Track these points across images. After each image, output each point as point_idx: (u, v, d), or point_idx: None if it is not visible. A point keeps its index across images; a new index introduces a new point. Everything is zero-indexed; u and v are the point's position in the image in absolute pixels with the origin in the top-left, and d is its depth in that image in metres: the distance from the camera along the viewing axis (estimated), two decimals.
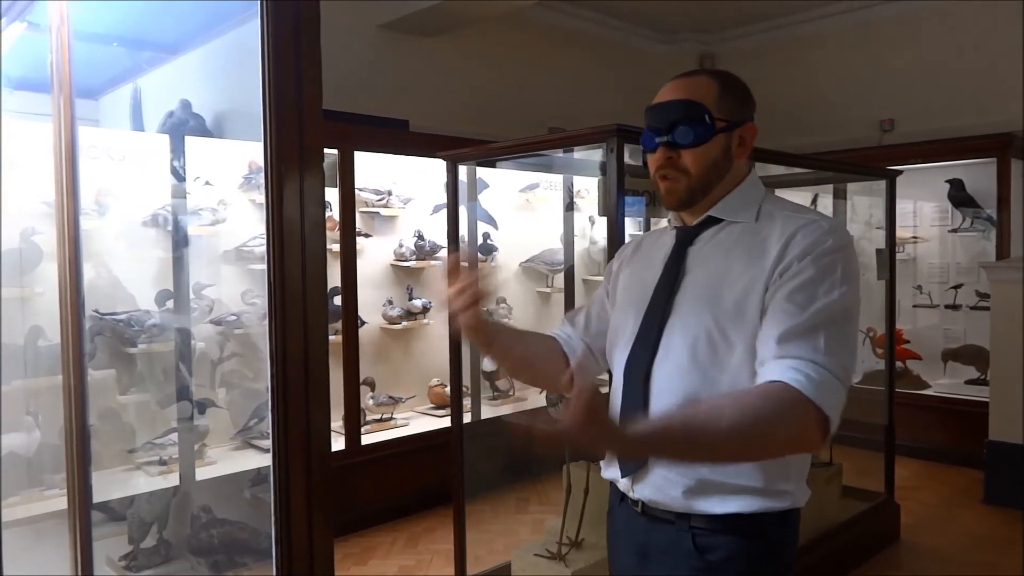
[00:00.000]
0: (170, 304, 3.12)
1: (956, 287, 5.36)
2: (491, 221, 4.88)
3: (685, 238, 1.33)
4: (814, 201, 5.69)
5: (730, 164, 1.30)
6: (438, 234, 4.57)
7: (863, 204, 5.29)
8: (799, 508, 1.30)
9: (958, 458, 4.79)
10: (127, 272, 3.21)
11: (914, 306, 5.56)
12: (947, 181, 5.18)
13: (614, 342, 1.41)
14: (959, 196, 5.18)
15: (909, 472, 4.56)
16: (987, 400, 4.26)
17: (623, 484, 1.35)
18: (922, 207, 5.60)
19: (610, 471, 1.38)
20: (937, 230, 5.55)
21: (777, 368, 1.12)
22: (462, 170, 3.10)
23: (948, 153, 5.00)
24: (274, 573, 0.99)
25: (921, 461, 4.86)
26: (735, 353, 1.20)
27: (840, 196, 4.38)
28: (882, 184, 3.85)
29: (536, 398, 4.87)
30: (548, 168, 4.99)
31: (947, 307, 5.42)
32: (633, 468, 1.31)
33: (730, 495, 1.22)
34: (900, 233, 5.02)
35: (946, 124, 5.18)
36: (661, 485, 1.27)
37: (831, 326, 1.14)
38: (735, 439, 1.07)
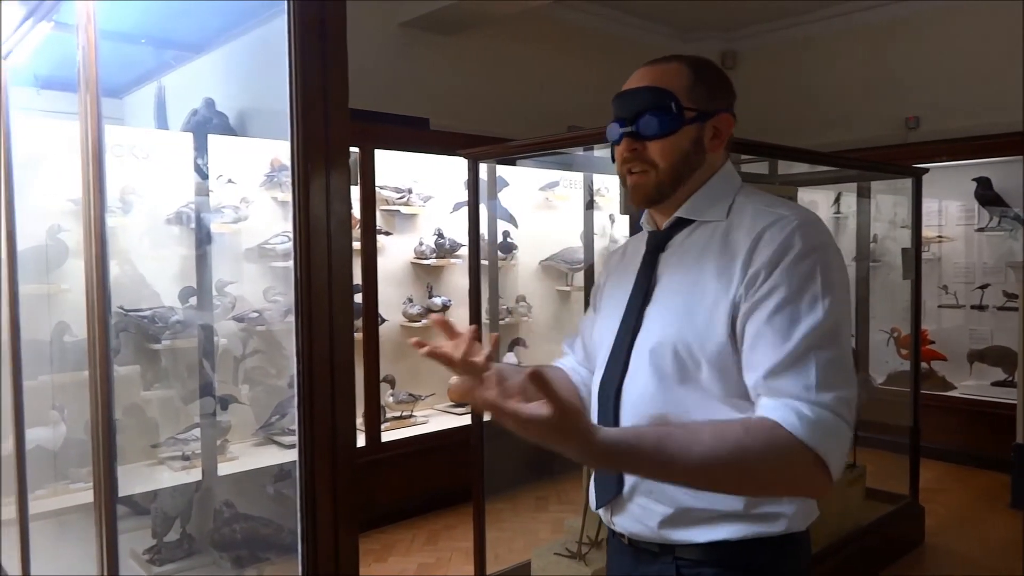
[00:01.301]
0: (193, 301, 3.15)
1: (983, 287, 5.28)
2: (511, 219, 4.88)
3: (656, 244, 1.23)
4: (837, 200, 5.64)
5: (702, 158, 1.18)
6: (458, 232, 4.58)
7: (887, 203, 5.23)
8: (801, 532, 1.17)
9: (984, 461, 4.72)
10: (151, 269, 3.25)
11: (939, 306, 5.48)
12: (974, 179, 5.10)
13: (595, 358, 1.31)
14: (986, 195, 5.10)
15: (934, 475, 4.50)
16: (1014, 402, 4.19)
17: (603, 516, 1.26)
18: (948, 206, 5.52)
19: (593, 500, 1.29)
20: (963, 229, 5.47)
21: (768, 405, 1.02)
22: (482, 168, 3.09)
23: (975, 151, 4.92)
24: (300, 570, 0.99)
25: (946, 464, 4.80)
26: (702, 371, 1.09)
27: (864, 195, 4.33)
28: (907, 182, 3.80)
29: None
30: (568, 166, 4.98)
31: (973, 307, 5.34)
32: (607, 498, 1.22)
33: (714, 522, 1.12)
34: (925, 232, 4.96)
35: (973, 121, 5.10)
36: (639, 516, 1.18)
37: (820, 351, 1.01)
38: (712, 468, 0.96)
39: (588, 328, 1.39)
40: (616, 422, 1.18)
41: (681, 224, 1.20)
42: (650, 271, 1.22)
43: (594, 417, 1.25)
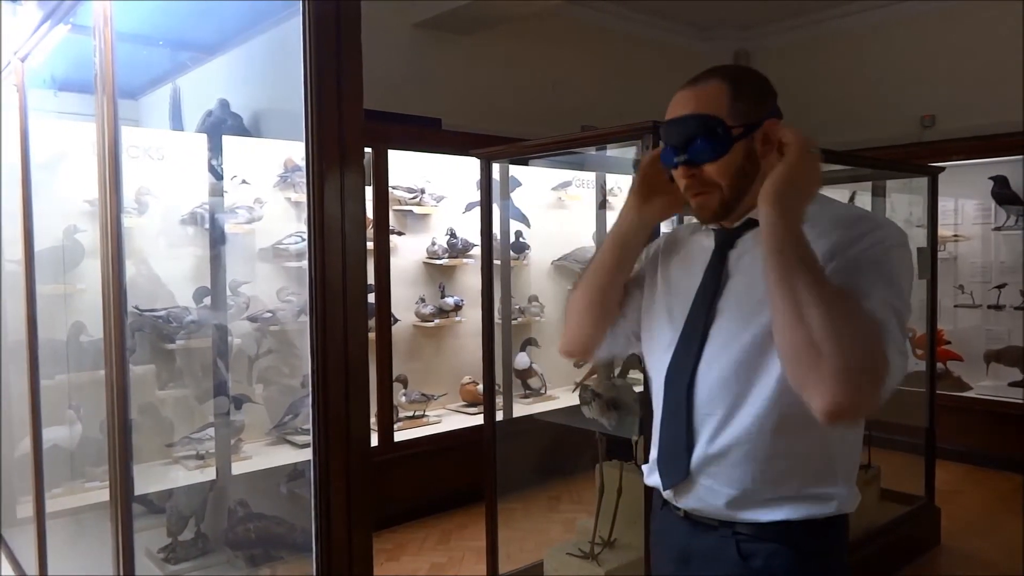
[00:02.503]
0: (207, 301, 3.17)
1: (999, 287, 5.23)
2: (523, 219, 4.88)
3: (725, 241, 1.29)
4: (852, 199, 5.60)
5: (758, 165, 1.22)
6: (471, 232, 4.58)
7: (903, 202, 5.18)
8: (847, 514, 1.25)
9: (1001, 462, 4.68)
10: (166, 269, 3.27)
11: (955, 306, 5.43)
12: (991, 178, 5.06)
13: (651, 346, 1.37)
14: (1003, 193, 5.05)
15: (950, 476, 4.46)
16: None
17: (667, 494, 1.32)
18: (964, 205, 5.47)
19: (652, 478, 1.35)
20: (980, 228, 5.41)
21: None
22: (495, 168, 3.09)
23: (991, 150, 4.88)
24: (314, 569, 0.99)
25: (962, 465, 4.75)
26: (770, 373, 1.16)
27: (879, 194, 4.30)
28: (923, 181, 3.76)
29: (567, 397, 4.86)
30: (580, 166, 4.97)
31: (990, 307, 5.29)
32: (674, 481, 1.27)
33: (774, 503, 1.20)
34: (941, 231, 4.91)
35: (989, 120, 5.05)
36: (704, 496, 1.24)
37: (891, 319, 1.07)
38: (827, 294, 1.03)
39: (636, 289, 1.44)
40: (689, 410, 1.24)
41: (751, 224, 1.25)
42: (719, 267, 1.27)
43: (659, 402, 1.32)
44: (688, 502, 1.27)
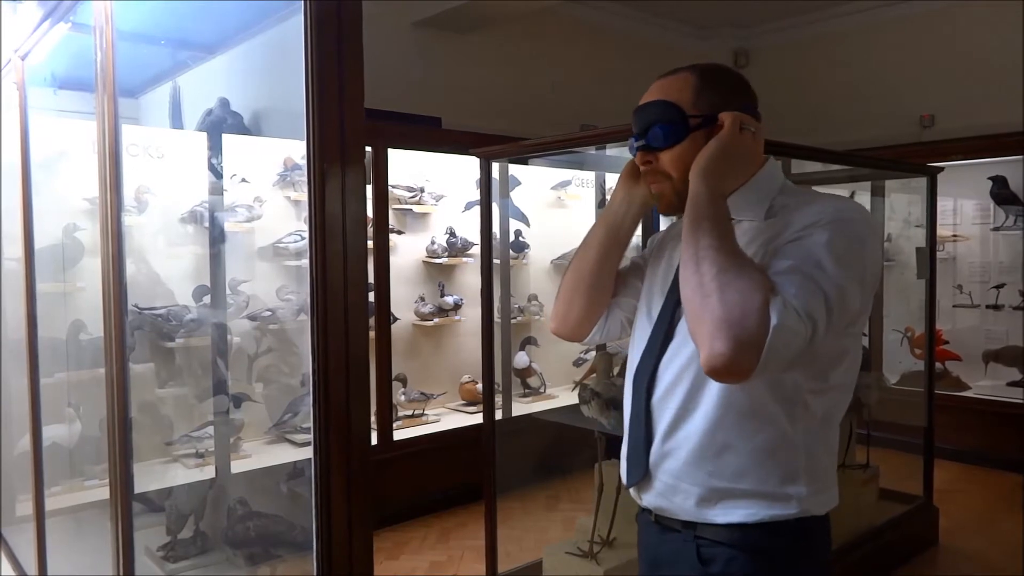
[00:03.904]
0: (207, 299, 3.17)
1: (998, 287, 5.23)
2: (523, 218, 4.88)
3: None
4: (851, 198, 5.61)
5: None
6: (470, 231, 4.59)
7: (902, 201, 5.19)
8: (817, 517, 1.20)
9: (999, 462, 4.68)
10: (165, 267, 3.27)
11: (954, 306, 5.44)
12: (990, 178, 5.06)
13: (631, 341, 1.38)
14: (1002, 193, 5.05)
15: (948, 475, 4.47)
16: None
17: (632, 492, 1.31)
18: (963, 205, 5.47)
19: (622, 476, 1.35)
20: (978, 228, 5.42)
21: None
22: (494, 167, 3.10)
23: (991, 149, 4.88)
24: (314, 567, 0.99)
25: (961, 464, 4.76)
26: None
27: (878, 193, 4.30)
28: (922, 181, 3.77)
29: (566, 396, 4.86)
30: (580, 165, 4.97)
31: (988, 307, 5.29)
32: (636, 478, 1.27)
33: (731, 503, 1.17)
34: (940, 231, 4.91)
35: (989, 120, 5.05)
36: (664, 493, 1.23)
37: (798, 287, 1.04)
38: (726, 255, 1.05)
39: (631, 273, 1.44)
40: (648, 404, 1.24)
41: None
42: None
43: (628, 399, 1.31)
44: (650, 500, 1.27)
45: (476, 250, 4.49)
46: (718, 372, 1.02)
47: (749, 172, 1.21)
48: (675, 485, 1.21)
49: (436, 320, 4.53)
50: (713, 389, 1.16)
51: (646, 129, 1.22)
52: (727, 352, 0.99)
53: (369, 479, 1.01)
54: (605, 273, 1.39)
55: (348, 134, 0.99)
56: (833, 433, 1.23)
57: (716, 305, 1.01)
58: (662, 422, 1.23)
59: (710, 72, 1.24)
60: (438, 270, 4.65)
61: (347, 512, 0.99)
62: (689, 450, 1.18)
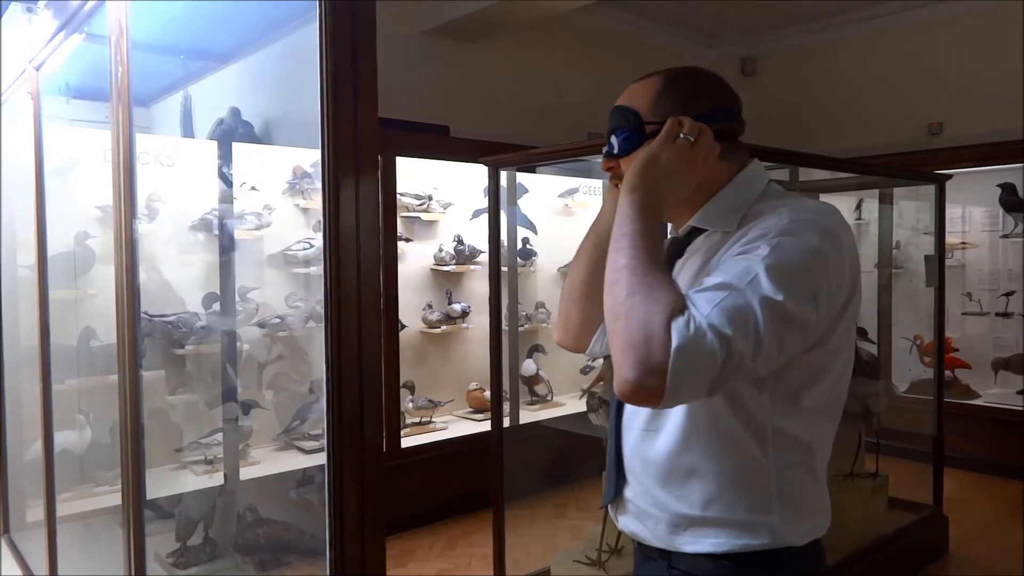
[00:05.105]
0: (217, 307, 3.19)
1: (1008, 294, 5.21)
2: (531, 226, 4.89)
3: (675, 251, 1.23)
4: (859, 206, 5.61)
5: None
6: (478, 239, 4.60)
7: (910, 209, 5.18)
8: (798, 548, 1.12)
9: (1009, 470, 4.66)
10: (175, 275, 3.29)
11: (963, 314, 5.42)
12: (999, 185, 5.04)
13: None
14: (1011, 201, 5.04)
15: (958, 484, 4.45)
16: None
17: (611, 514, 1.27)
18: (972, 212, 5.46)
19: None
20: (987, 235, 5.40)
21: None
22: (502, 175, 3.11)
23: (999, 157, 4.87)
24: (327, 573, 1.00)
25: (971, 473, 4.73)
26: None
27: (886, 201, 4.30)
28: (930, 189, 3.76)
29: (573, 404, 4.86)
30: (587, 173, 4.98)
31: (998, 315, 5.27)
32: (610, 497, 1.23)
33: (700, 531, 1.12)
34: (949, 239, 4.91)
35: (997, 127, 5.04)
36: (637, 515, 1.19)
37: (721, 307, 0.95)
38: (639, 274, 0.99)
39: None
40: (619, 423, 1.21)
41: (697, 232, 1.20)
42: None
43: (612, 418, 1.27)
44: (625, 523, 1.22)
45: (484, 258, 4.50)
46: (627, 396, 0.96)
47: (688, 182, 1.11)
48: (645, 509, 1.17)
49: (444, 327, 4.54)
50: (678, 410, 1.10)
51: (609, 134, 1.18)
52: (632, 377, 0.93)
53: (381, 485, 1.02)
54: (597, 283, 1.30)
55: (362, 142, 1.00)
56: (821, 458, 1.15)
57: (623, 328, 0.96)
58: (629, 441, 1.19)
59: (676, 76, 1.18)
60: (446, 278, 4.67)
61: (360, 518, 1.00)
62: (656, 473, 1.14)
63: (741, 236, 1.06)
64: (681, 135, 1.09)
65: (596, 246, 1.32)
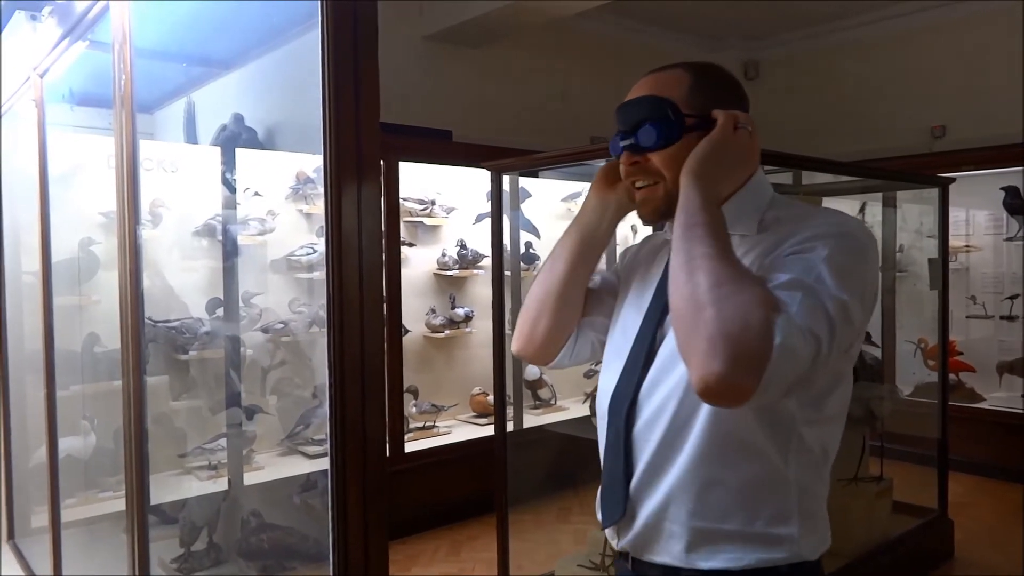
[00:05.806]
0: (220, 312, 3.19)
1: (1012, 297, 5.20)
2: (533, 230, 4.90)
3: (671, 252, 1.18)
4: (862, 209, 5.60)
5: None
6: (481, 243, 4.60)
7: (913, 212, 5.17)
8: (811, 563, 1.09)
9: (1014, 474, 4.63)
10: (179, 280, 3.30)
11: (967, 317, 5.40)
12: (1002, 188, 5.03)
13: (604, 363, 1.26)
14: (1014, 204, 5.02)
15: (963, 488, 4.43)
16: None
17: (609, 534, 1.19)
18: (975, 215, 5.45)
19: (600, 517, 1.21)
20: (991, 239, 5.39)
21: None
22: (505, 180, 3.11)
23: (1003, 160, 4.85)
24: None
25: (975, 477, 4.71)
26: None
27: (890, 204, 4.29)
28: (933, 192, 3.76)
29: (577, 408, 4.86)
30: (590, 177, 4.95)
31: (1002, 318, 5.25)
32: (614, 518, 1.15)
33: (718, 546, 1.07)
34: (952, 242, 4.89)
35: (1000, 130, 5.04)
36: (646, 533, 1.12)
37: (801, 303, 0.93)
38: (723, 265, 0.94)
39: (605, 289, 1.33)
40: (628, 435, 1.14)
41: None
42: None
43: (602, 429, 1.21)
44: (629, 542, 1.15)
45: (487, 262, 4.50)
46: (712, 394, 0.91)
47: (744, 175, 1.11)
48: (657, 525, 1.10)
49: (447, 332, 4.55)
50: (702, 418, 1.05)
51: (636, 126, 1.11)
52: (724, 371, 0.88)
53: (385, 489, 1.02)
54: (576, 287, 1.26)
55: (364, 148, 1.01)
56: (828, 469, 1.12)
57: (713, 319, 0.90)
58: (644, 454, 1.11)
59: (704, 70, 1.15)
60: (449, 282, 4.67)
61: (363, 522, 1.00)
62: (673, 486, 1.08)
63: (781, 238, 1.04)
64: (739, 126, 1.08)
65: (580, 245, 1.25)
